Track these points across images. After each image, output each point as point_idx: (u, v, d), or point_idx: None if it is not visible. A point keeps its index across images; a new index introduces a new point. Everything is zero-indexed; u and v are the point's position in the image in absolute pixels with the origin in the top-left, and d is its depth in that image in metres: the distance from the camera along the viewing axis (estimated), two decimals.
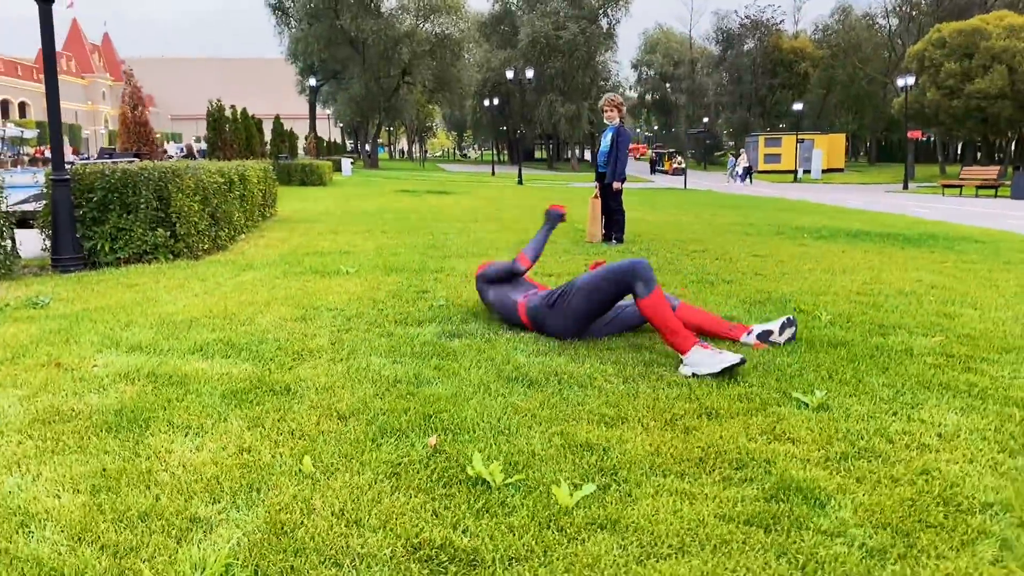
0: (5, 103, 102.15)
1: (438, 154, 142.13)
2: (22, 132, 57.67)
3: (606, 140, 9.12)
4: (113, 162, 12.06)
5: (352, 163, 47.28)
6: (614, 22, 71.33)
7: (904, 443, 2.94)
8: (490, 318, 4.87)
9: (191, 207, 7.47)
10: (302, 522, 2.28)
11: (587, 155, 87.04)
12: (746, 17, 78.73)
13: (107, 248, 7.22)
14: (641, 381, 3.64)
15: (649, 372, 3.79)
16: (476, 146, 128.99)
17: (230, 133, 20.50)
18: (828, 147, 58.52)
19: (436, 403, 3.26)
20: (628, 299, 4.47)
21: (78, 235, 7.17)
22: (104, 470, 2.59)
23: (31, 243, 7.55)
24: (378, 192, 21.93)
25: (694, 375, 3.73)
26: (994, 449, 2.90)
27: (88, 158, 32.29)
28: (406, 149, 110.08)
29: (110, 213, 7.24)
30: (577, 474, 2.63)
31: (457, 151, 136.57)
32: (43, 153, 44.20)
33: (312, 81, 49.58)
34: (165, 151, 28.61)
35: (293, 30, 61.47)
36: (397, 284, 6.04)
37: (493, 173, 50.34)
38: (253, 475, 2.57)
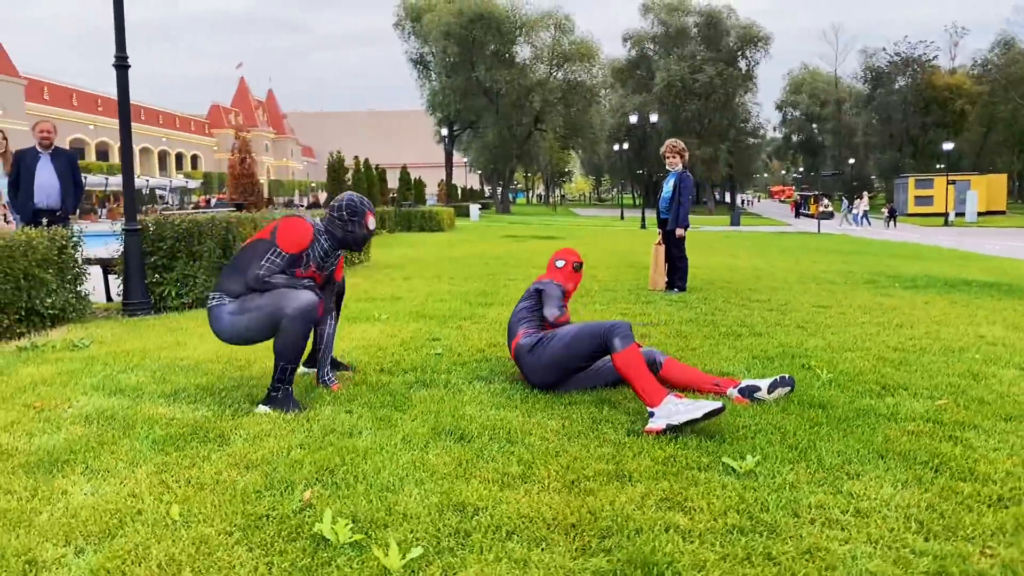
0: (179, 156, 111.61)
1: (575, 198, 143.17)
2: (187, 183, 63.13)
3: (668, 186, 8.92)
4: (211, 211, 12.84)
5: (480, 209, 48.37)
6: (753, 64, 70.13)
7: (810, 518, 2.69)
8: (475, 367, 4.83)
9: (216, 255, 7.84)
10: (125, 572, 2.33)
11: (727, 198, 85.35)
12: (896, 54, 75.40)
13: (173, 293, 7.70)
14: (577, 439, 3.51)
15: (594, 428, 3.65)
16: (617, 190, 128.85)
17: (351, 183, 21.46)
18: (987, 188, 54.73)
19: (347, 455, 3.26)
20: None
21: (150, 281, 7.68)
22: None
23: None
24: (484, 238, 22.27)
25: (669, 427, 3.55)
26: (910, 529, 2.60)
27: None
28: (543, 194, 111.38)
29: (177, 261, 7.72)
30: (428, 536, 2.55)
31: (595, 195, 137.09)
32: (207, 202, 47.70)
33: (444, 131, 51.33)
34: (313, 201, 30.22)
35: (433, 83, 64.04)
36: (414, 331, 6.10)
37: (622, 217, 50.17)
38: (116, 521, 2.65)
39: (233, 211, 11.91)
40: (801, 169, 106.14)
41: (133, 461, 3.21)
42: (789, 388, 4.13)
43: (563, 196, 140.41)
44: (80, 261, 7.31)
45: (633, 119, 45.07)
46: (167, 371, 4.83)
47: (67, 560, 2.40)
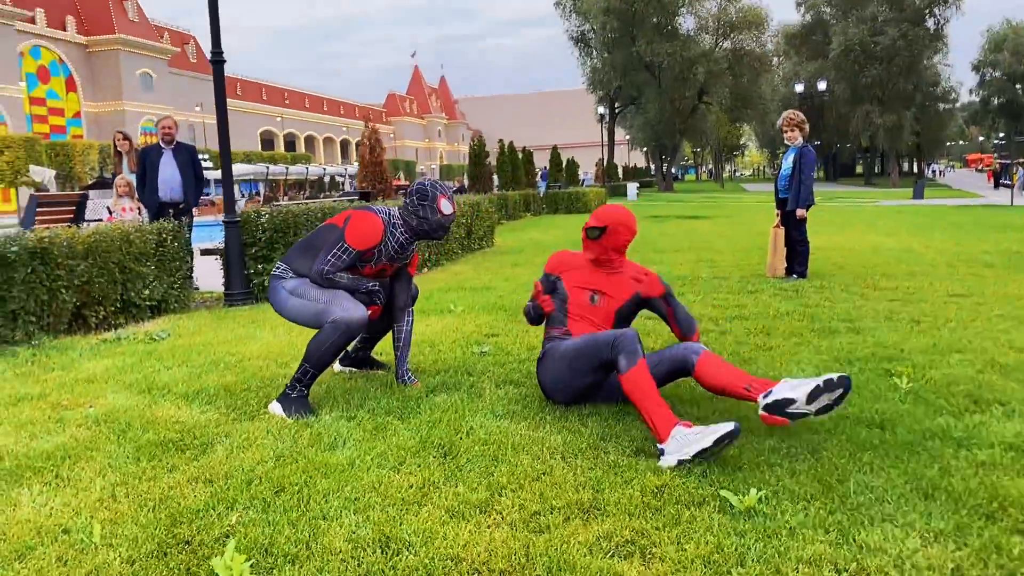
0: (359, 144, 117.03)
1: (748, 173, 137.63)
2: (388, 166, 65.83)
3: (787, 162, 8.11)
4: (341, 199, 13.08)
5: (639, 188, 47.32)
6: (943, 22, 64.05)
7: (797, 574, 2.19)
8: (512, 369, 4.49)
9: None
10: None
11: (914, 168, 79.07)
12: None
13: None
14: (573, 459, 3.11)
15: (597, 447, 3.24)
16: None
17: (493, 167, 21.44)
18: None
19: (312, 472, 3.04)
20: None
21: (251, 271, 7.86)
22: None
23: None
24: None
25: (680, 463, 3.01)
26: None
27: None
28: (712, 169, 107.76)
29: (275, 251, 7.85)
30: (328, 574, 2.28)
31: (769, 169, 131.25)
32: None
33: (601, 109, 50.54)
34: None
35: (594, 60, 63.23)
36: (478, 326, 5.83)
37: None
38: (35, 540, 2.56)
39: (355, 200, 12.10)
40: (1002, 135, 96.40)
41: (100, 471, 3.14)
42: (842, 392, 3.16)
43: (735, 171, 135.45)
44: (183, 253, 7.55)
45: (799, 88, 42.31)
46: (209, 367, 4.82)
47: None
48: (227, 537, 2.54)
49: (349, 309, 3.80)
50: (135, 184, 9.65)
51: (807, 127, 7.94)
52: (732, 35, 59.90)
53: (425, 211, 3.96)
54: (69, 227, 6.88)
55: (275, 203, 36.82)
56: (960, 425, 3.35)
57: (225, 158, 7.90)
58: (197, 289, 9.19)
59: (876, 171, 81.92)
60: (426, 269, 9.93)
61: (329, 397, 4.10)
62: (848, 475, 2.87)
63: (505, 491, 2.84)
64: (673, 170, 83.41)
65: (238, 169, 48.72)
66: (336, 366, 4.66)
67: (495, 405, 3.85)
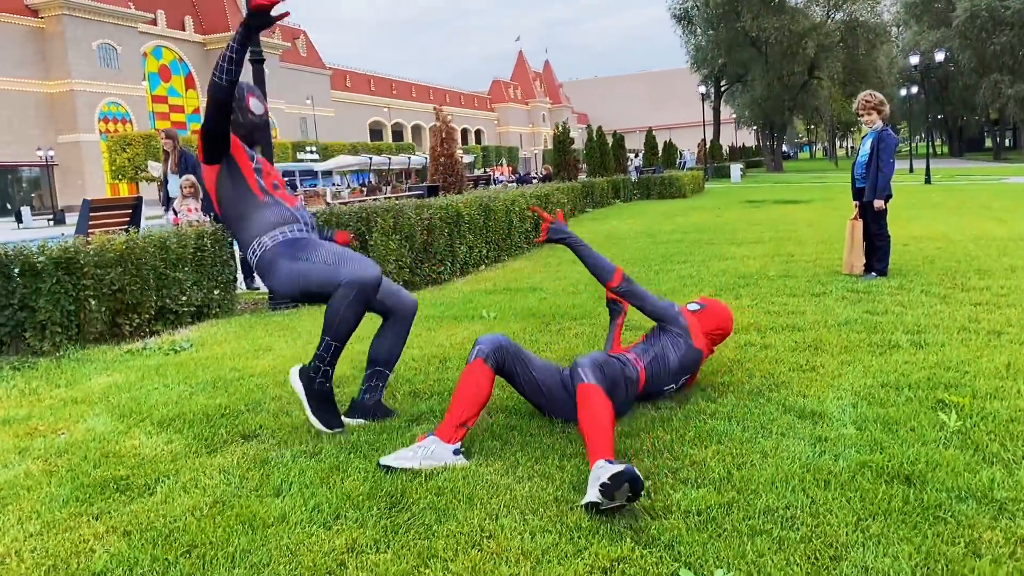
0: (464, 131, 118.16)
1: None
2: (462, 157, 66.20)
3: (865, 147, 7.33)
4: (408, 195, 12.92)
5: (744, 168, 45.57)
6: None
7: None
8: (510, 392, 4.09)
9: (388, 246, 7.60)
10: None
11: None
12: None
13: None
14: (533, 515, 2.70)
15: (565, 501, 2.81)
16: (918, 138, 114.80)
17: (580, 153, 20.78)
18: None
19: (231, 528, 2.74)
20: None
21: None
22: None
23: None
24: (720, 204, 20.61)
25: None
26: None
27: (524, 176, 35.58)
28: (827, 147, 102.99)
29: None
30: None
31: None
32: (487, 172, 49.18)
33: (703, 89, 48.75)
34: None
35: (698, 37, 61.29)
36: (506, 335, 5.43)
37: (910, 170, 44.68)
38: None
39: (419, 196, 11.86)
40: None
41: (25, 518, 2.93)
42: (627, 496, 2.58)
43: (852, 148, 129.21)
44: (226, 256, 7.46)
45: (914, 60, 39.64)
46: (203, 387, 4.62)
47: None
48: None
49: (360, 267, 3.46)
50: (175, 189, 9.65)
51: (887, 108, 7.15)
52: (845, 6, 56.75)
53: (238, 115, 3.71)
54: (123, 232, 6.89)
55: (379, 193, 37.32)
56: (1009, 482, 2.75)
57: (268, 157, 7.75)
58: (257, 289, 9.16)
59: (1008, 144, 76.39)
60: (483, 267, 9.59)
61: (305, 426, 3.79)
62: (847, 551, 2.35)
63: (435, 560, 2.46)
64: (784, 148, 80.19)
65: (343, 160, 49.88)
66: (346, 420, 4.18)
67: (472, 440, 3.46)
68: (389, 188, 44.43)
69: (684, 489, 2.84)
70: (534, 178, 32.64)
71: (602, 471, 2.67)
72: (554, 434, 3.48)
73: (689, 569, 2.30)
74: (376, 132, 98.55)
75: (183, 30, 70.44)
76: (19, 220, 40.45)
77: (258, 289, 9.10)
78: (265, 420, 3.93)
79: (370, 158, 51.71)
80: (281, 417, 3.98)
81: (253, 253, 3.70)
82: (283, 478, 3.16)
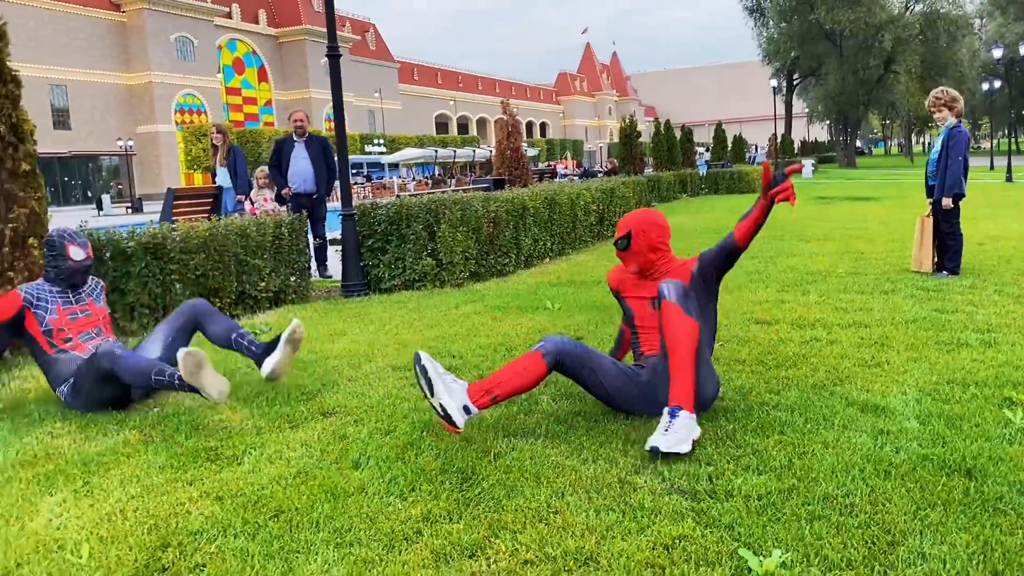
0: (529, 124, 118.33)
1: None
2: (527, 150, 66.38)
3: (936, 145, 7.22)
4: (474, 188, 13.14)
5: (816, 164, 44.64)
6: None
7: None
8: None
9: (454, 237, 7.79)
10: None
11: None
12: None
13: (386, 275, 7.91)
14: (596, 496, 2.83)
15: (626, 483, 2.92)
16: (1001, 134, 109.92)
17: (647, 147, 20.73)
18: None
19: (317, 495, 2.94)
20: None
21: (367, 263, 7.97)
22: None
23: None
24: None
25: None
26: None
27: (589, 170, 35.52)
28: (903, 143, 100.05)
29: (390, 244, 7.91)
30: None
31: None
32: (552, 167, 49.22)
33: (775, 82, 47.87)
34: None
35: (770, 30, 60.21)
36: (568, 327, 5.57)
37: (991, 167, 43.22)
38: (32, 554, 2.59)
39: (486, 189, 12.03)
40: None
41: (128, 480, 3.18)
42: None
43: (930, 144, 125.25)
44: (302, 245, 7.75)
45: (997, 53, 38.28)
46: (294, 367, 4.85)
47: None
48: (202, 567, 2.47)
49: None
50: (226, 181, 10.00)
51: (959, 105, 7.02)
52: None
53: (58, 260, 4.20)
54: (206, 219, 7.22)
55: (443, 186, 37.75)
56: None
57: (342, 149, 8.02)
58: (330, 277, 9.46)
59: None
60: (548, 259, 9.72)
61: (379, 406, 3.99)
62: (904, 538, 2.42)
63: (505, 532, 2.60)
64: (858, 144, 78.22)
65: (409, 153, 50.48)
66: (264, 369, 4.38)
67: (539, 424, 3.60)
68: (453, 181, 44.90)
69: (745, 475, 2.93)
70: (598, 171, 32.57)
71: (685, 430, 3.07)
72: (618, 421, 3.59)
73: (748, 549, 2.40)
74: (442, 125, 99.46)
75: (256, 23, 72.11)
76: (99, 207, 42.11)
77: (330, 277, 9.39)
78: (342, 400, 4.14)
79: (436, 151, 52.32)
80: (357, 397, 4.17)
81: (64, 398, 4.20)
82: (361, 452, 3.35)
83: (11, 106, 5.41)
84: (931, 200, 7.26)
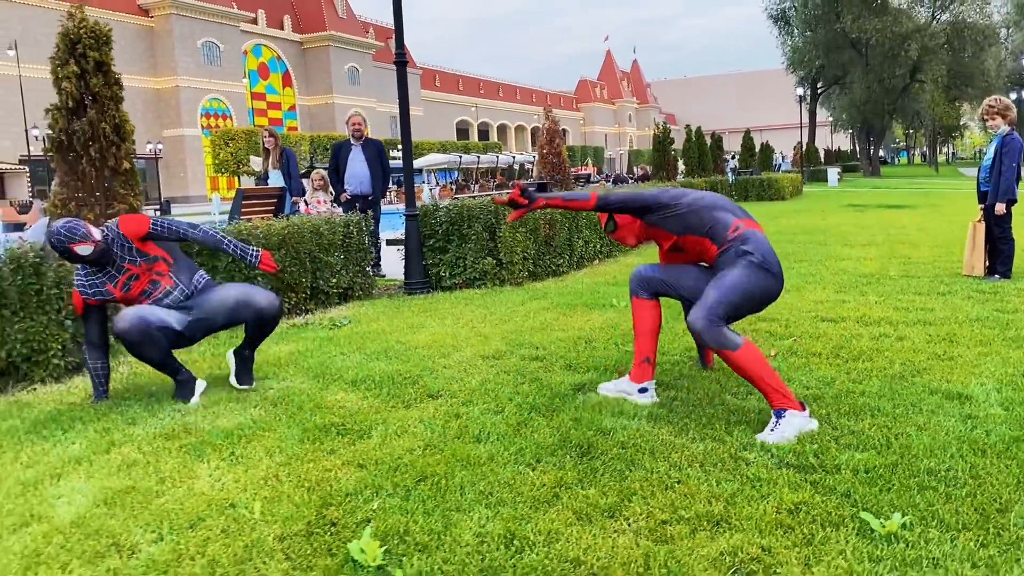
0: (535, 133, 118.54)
1: (969, 157, 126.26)
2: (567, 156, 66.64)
3: (990, 151, 7.42)
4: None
5: (841, 173, 44.63)
6: None
7: None
8: (667, 371, 4.45)
9: (514, 238, 8.05)
10: (171, 566, 2.51)
11: None
12: None
13: (447, 274, 8.18)
14: (712, 469, 3.07)
15: (738, 457, 3.17)
16: None
17: (680, 153, 21.03)
18: None
19: (454, 464, 3.19)
20: None
21: (428, 262, 8.25)
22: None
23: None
24: (823, 207, 20.45)
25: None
26: None
27: (620, 176, 35.99)
28: (927, 152, 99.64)
29: (451, 243, 8.18)
30: (456, 569, 2.40)
31: None
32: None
33: (800, 91, 47.94)
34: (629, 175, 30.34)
35: (795, 39, 60.23)
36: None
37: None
38: (205, 512, 2.86)
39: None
40: None
41: (270, 451, 3.45)
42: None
43: (954, 154, 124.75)
44: (368, 243, 8.03)
45: None
46: (377, 355, 5.13)
47: (141, 547, 2.64)
48: (368, 522, 2.73)
49: (118, 318, 4.18)
50: (280, 183, 10.32)
51: (1012, 113, 7.22)
52: (952, 6, 54.93)
53: (74, 262, 4.15)
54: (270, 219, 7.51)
55: (466, 191, 37.99)
56: None
57: (407, 154, 8.31)
58: (383, 276, 9.74)
59: None
60: (597, 261, 9.96)
61: (481, 389, 4.25)
62: (1011, 505, 2.65)
63: (636, 497, 2.85)
64: (881, 153, 78.00)
65: (433, 159, 50.84)
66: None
67: (639, 408, 3.85)
68: (477, 186, 45.18)
69: (849, 452, 3.17)
70: (630, 178, 32.77)
71: (798, 423, 3.39)
72: (715, 405, 3.83)
73: (868, 512, 2.63)
74: (462, 131, 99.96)
75: (281, 29, 72.85)
76: None
77: (383, 276, 9.67)
78: (443, 384, 4.40)
79: (460, 156, 52.69)
80: (456, 382, 4.43)
81: None
82: (479, 428, 3.61)
83: (115, 107, 5.73)
84: (983, 205, 7.45)
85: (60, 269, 4.99)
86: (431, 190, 39.33)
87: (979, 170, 7.61)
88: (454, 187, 49.58)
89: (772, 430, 3.37)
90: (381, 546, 2.51)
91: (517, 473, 3.09)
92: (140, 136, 60.11)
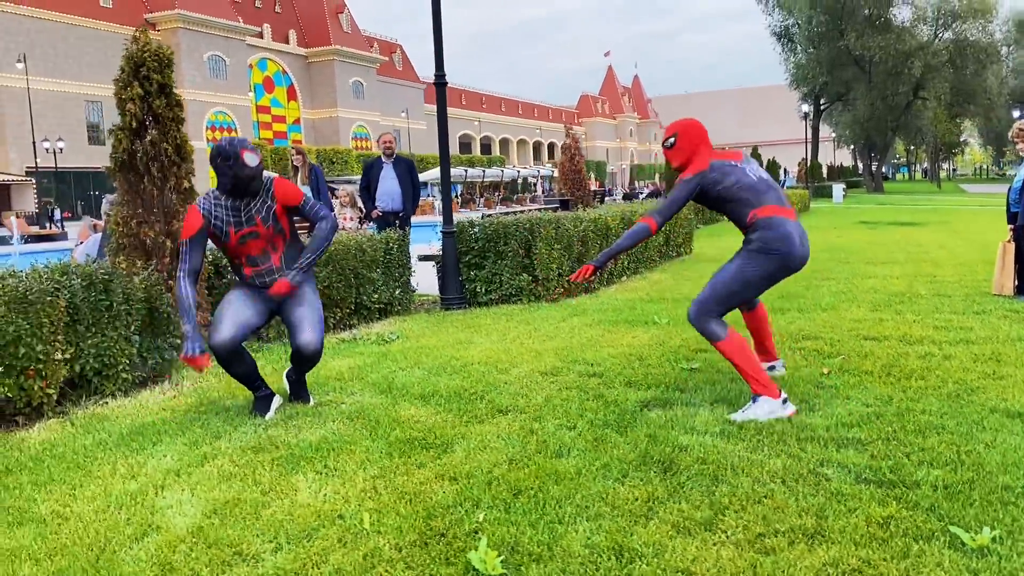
0: (551, 145, 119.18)
1: (969, 173, 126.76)
2: (553, 171, 67.01)
3: (1020, 174, 7.58)
4: (542, 208, 13.49)
5: (846, 189, 44.87)
6: None
7: None
8: (724, 388, 4.59)
9: (550, 254, 8.20)
10: (299, 575, 2.64)
11: None
12: None
13: (483, 290, 8.33)
14: (794, 484, 3.20)
15: (816, 472, 3.30)
16: None
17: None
18: None
19: (544, 477, 3.32)
20: None
21: (464, 278, 8.40)
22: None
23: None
24: (834, 224, 20.66)
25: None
26: None
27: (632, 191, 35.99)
28: (928, 168, 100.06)
29: (487, 260, 8.33)
30: None
31: (994, 169, 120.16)
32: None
33: (804, 107, 48.30)
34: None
35: (798, 56, 60.70)
36: (685, 340, 5.93)
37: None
38: (317, 523, 2.99)
39: (555, 209, 12.46)
40: None
41: (361, 463, 3.59)
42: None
43: (954, 170, 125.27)
44: (407, 260, 8.17)
45: None
46: (438, 371, 5.27)
47: (264, 556, 2.77)
48: (476, 533, 2.86)
49: (214, 331, 4.26)
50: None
51: None
52: (954, 25, 55.43)
53: (234, 169, 4.17)
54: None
55: (472, 206, 38.13)
56: None
57: (445, 172, 8.47)
58: (415, 291, 9.88)
59: None
60: (624, 277, 10.11)
61: (548, 405, 4.38)
62: None
63: (728, 511, 2.98)
64: (883, 169, 78.39)
65: (437, 173, 50.97)
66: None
67: (709, 424, 3.98)
68: (482, 200, 45.36)
69: (924, 468, 3.30)
70: (640, 193, 32.98)
71: (769, 407, 3.98)
72: (780, 421, 3.96)
73: (957, 526, 2.76)
74: (465, 145, 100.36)
75: (287, 43, 73.28)
76: (99, 216, 42.80)
77: (415, 290, 9.81)
78: (509, 400, 4.53)
79: (465, 171, 52.96)
80: (522, 398, 4.56)
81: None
82: (558, 444, 3.74)
83: (176, 128, 5.88)
84: (1012, 226, 7.60)
85: (128, 285, 5.14)
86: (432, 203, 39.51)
87: (1009, 191, 7.77)
88: (459, 200, 49.85)
89: (743, 411, 4.00)
90: (498, 556, 2.64)
91: (608, 488, 3.22)
92: None
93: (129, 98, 5.70)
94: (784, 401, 4.02)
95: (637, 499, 3.11)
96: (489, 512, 3.02)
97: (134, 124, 5.74)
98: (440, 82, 8.22)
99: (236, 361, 4.28)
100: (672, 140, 4.43)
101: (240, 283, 4.52)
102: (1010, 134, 7.63)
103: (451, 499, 3.15)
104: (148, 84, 5.76)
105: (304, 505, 3.15)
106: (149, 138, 5.76)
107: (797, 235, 4.14)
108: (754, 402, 4.01)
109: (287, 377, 4.67)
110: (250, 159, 4.21)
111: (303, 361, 4.43)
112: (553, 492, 3.18)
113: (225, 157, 4.18)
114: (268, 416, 4.36)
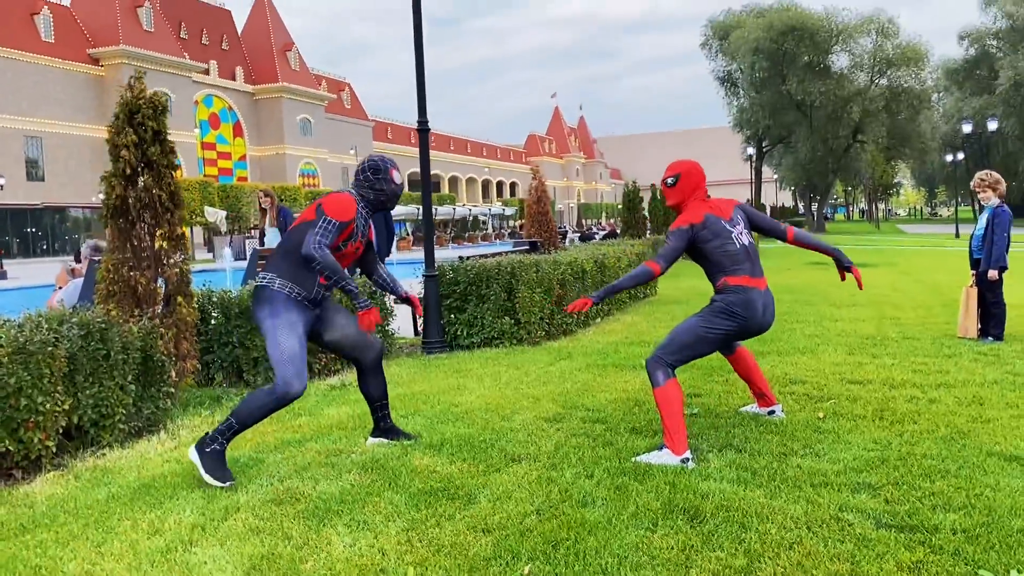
0: (500, 184, 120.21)
1: (902, 213, 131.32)
2: (503, 210, 67.59)
3: (981, 222, 7.96)
4: (513, 251, 13.63)
5: None
6: None
7: None
8: (728, 433, 4.70)
9: (532, 298, 8.30)
10: None
11: None
12: None
13: (464, 334, 8.37)
14: (819, 529, 3.30)
15: (839, 518, 3.41)
16: (956, 203, 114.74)
17: (647, 209, 21.74)
18: None
19: (575, 528, 3.37)
20: None
21: (445, 321, 8.43)
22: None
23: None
24: (787, 264, 21.24)
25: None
26: None
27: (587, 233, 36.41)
28: (866, 209, 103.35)
29: (468, 303, 8.38)
30: None
31: (927, 209, 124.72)
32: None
33: (750, 149, 49.83)
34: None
35: (741, 100, 62.57)
36: None
37: (956, 235, 45.10)
38: None
39: (524, 252, 12.60)
40: None
41: (389, 516, 3.59)
42: None
43: (890, 211, 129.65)
44: (388, 304, 8.18)
45: (967, 128, 40.32)
46: (439, 418, 5.29)
47: None
48: None
49: (290, 378, 4.01)
50: (273, 242, 10.55)
51: (1002, 187, 7.79)
52: (889, 72, 57.85)
53: (381, 183, 4.35)
54: None
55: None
56: None
57: (427, 215, 8.54)
58: (392, 334, 9.86)
59: None
60: (599, 320, 10.25)
61: (562, 456, 4.43)
62: None
63: (763, 558, 3.07)
64: (824, 210, 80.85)
65: (396, 210, 50.92)
66: (369, 440, 4.80)
67: (723, 470, 4.08)
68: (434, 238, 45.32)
69: (939, 513, 3.43)
70: (596, 234, 33.39)
71: (669, 461, 4.18)
72: (792, 467, 4.08)
73: (986, 570, 2.89)
74: (415, 183, 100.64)
75: (233, 79, 72.85)
76: (77, 259, 41.82)
77: (393, 333, 9.80)
78: (519, 448, 4.57)
79: (418, 208, 53.03)
80: (531, 446, 4.61)
81: (271, 281, 4.20)
82: (582, 493, 3.79)
83: (169, 174, 5.86)
84: (975, 272, 7.96)
85: (125, 334, 5.07)
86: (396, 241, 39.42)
87: (971, 239, 8.13)
88: (412, 239, 49.83)
89: (650, 453, 4.28)
90: None
91: (641, 537, 3.28)
92: (87, 185, 59.09)
93: (124, 144, 5.66)
94: (684, 460, 4.16)
95: (672, 548, 3.18)
96: (535, 565, 3.05)
97: (127, 171, 5.70)
98: (423, 128, 8.33)
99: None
100: (674, 180, 4.65)
101: (289, 301, 4.16)
102: (972, 184, 8.01)
103: (489, 551, 3.18)
104: (143, 131, 5.73)
105: (342, 559, 3.15)
106: (143, 184, 5.72)
107: (761, 304, 4.41)
108: (659, 450, 4.27)
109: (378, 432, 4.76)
110: (397, 177, 4.42)
111: (378, 366, 4.66)
112: (590, 543, 3.23)
113: (376, 171, 4.38)
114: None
